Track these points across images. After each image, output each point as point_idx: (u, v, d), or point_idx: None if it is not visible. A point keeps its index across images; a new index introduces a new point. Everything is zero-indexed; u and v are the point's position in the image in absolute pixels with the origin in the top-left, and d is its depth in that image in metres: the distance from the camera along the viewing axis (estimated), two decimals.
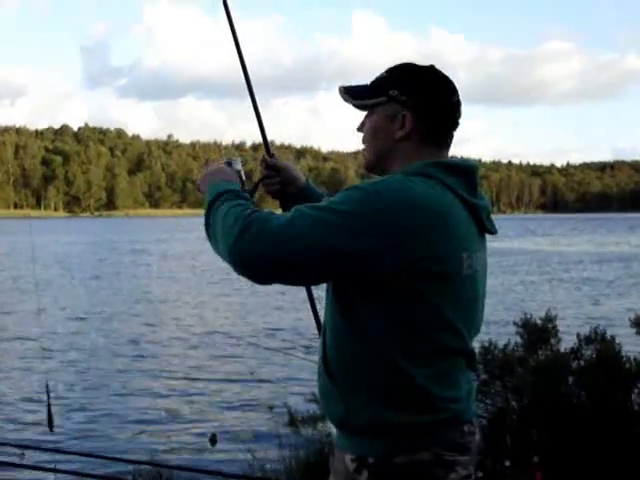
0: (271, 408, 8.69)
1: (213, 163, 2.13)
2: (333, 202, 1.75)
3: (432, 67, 1.99)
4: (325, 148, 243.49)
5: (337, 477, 1.88)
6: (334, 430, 1.95)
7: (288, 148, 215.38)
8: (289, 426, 5.93)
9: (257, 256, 1.71)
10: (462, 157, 2.00)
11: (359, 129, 2.04)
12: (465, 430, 1.84)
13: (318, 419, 5.90)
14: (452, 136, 1.98)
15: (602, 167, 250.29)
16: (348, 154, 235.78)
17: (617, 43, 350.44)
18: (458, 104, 1.97)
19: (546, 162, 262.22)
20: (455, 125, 1.97)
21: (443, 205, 1.79)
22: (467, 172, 1.90)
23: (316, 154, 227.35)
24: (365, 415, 1.80)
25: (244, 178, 2.15)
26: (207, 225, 1.89)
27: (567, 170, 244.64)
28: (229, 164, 2.15)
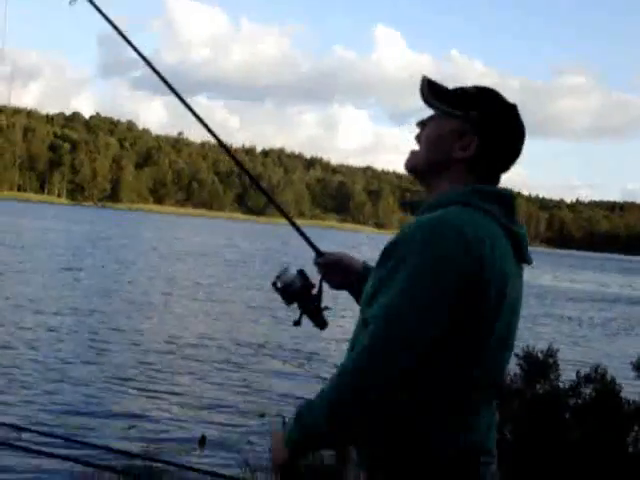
0: (263, 415, 8.67)
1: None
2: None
3: (515, 107, 1.96)
4: (335, 160, 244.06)
5: None
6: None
7: (298, 157, 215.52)
8: None
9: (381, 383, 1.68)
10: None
11: (420, 125, 2.00)
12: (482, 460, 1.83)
13: None
14: (500, 178, 1.96)
15: (611, 207, 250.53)
16: (357, 169, 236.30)
17: (635, 83, 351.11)
18: (520, 151, 1.96)
19: (555, 197, 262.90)
20: (508, 168, 1.96)
21: (489, 235, 1.79)
22: (506, 199, 1.89)
23: (325, 166, 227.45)
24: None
25: (298, 283, 2.33)
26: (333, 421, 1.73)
27: (576, 207, 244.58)
28: (279, 277, 2.33)
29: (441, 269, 1.70)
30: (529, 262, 1.92)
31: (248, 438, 7.88)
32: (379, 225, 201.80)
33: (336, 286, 2.40)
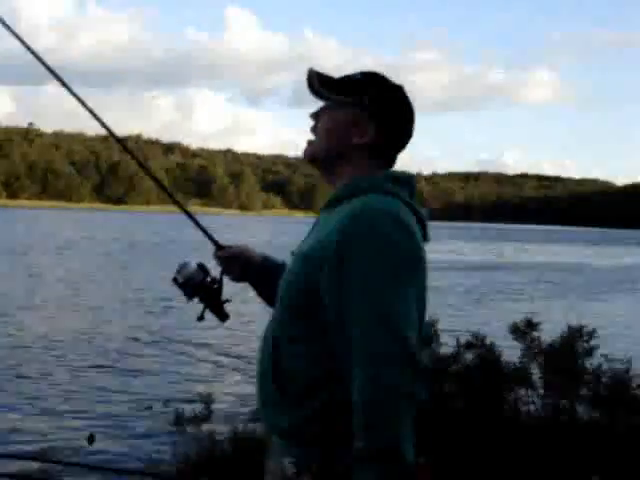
0: (150, 408, 8.52)
1: None
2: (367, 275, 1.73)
3: (401, 87, 2.01)
4: (194, 145, 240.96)
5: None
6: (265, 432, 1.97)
7: (156, 143, 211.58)
8: (175, 425, 5.82)
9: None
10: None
11: (313, 116, 2.02)
12: None
13: (202, 419, 5.84)
14: (396, 158, 2.01)
15: (466, 177, 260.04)
16: (217, 152, 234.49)
17: (484, 57, 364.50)
18: (413, 130, 2.02)
19: (413, 170, 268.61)
20: (404, 147, 2.01)
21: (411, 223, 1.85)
22: (411, 183, 1.95)
23: (185, 151, 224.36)
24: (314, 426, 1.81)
25: (199, 277, 2.33)
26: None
27: (433, 179, 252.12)
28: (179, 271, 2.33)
29: (396, 255, 1.74)
30: (428, 240, 1.97)
31: (142, 431, 7.74)
32: (243, 207, 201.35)
33: (236, 279, 2.39)
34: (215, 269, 2.38)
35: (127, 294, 20.88)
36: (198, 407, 5.92)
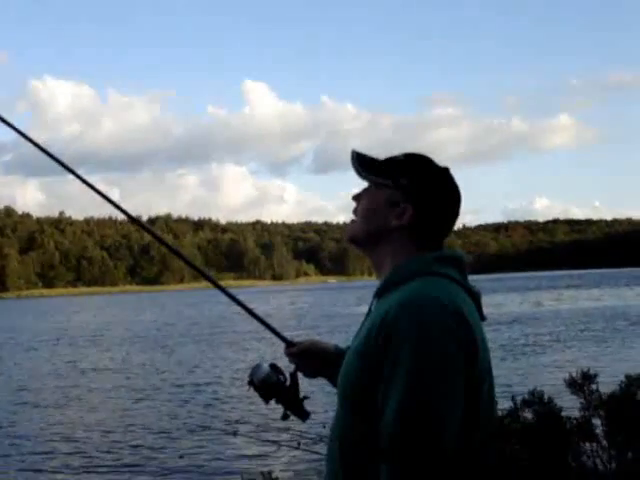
0: None
1: None
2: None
3: (447, 170, 2.00)
4: (223, 219, 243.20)
5: None
6: None
7: (185, 220, 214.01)
8: None
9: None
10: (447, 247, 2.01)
11: (355, 198, 2.03)
12: None
13: None
14: (443, 241, 1.98)
15: (497, 228, 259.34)
16: (247, 224, 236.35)
17: (503, 108, 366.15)
18: (458, 214, 1.99)
19: None
20: (449, 231, 1.98)
21: (465, 303, 1.83)
22: (459, 261, 1.93)
23: (214, 226, 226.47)
24: None
25: (274, 378, 2.29)
26: None
27: (463, 232, 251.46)
28: (253, 375, 2.30)
29: (444, 347, 1.71)
30: (485, 319, 1.93)
31: None
32: (276, 277, 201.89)
33: (310, 374, 2.36)
34: (288, 367, 2.36)
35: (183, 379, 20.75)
36: None
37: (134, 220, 2.65)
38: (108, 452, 11.82)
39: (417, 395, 1.68)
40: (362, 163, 2.01)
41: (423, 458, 1.65)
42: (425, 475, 1.65)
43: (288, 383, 2.30)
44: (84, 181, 2.47)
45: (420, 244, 1.92)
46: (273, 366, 2.32)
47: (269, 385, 2.28)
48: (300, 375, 2.35)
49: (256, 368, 2.31)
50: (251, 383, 2.30)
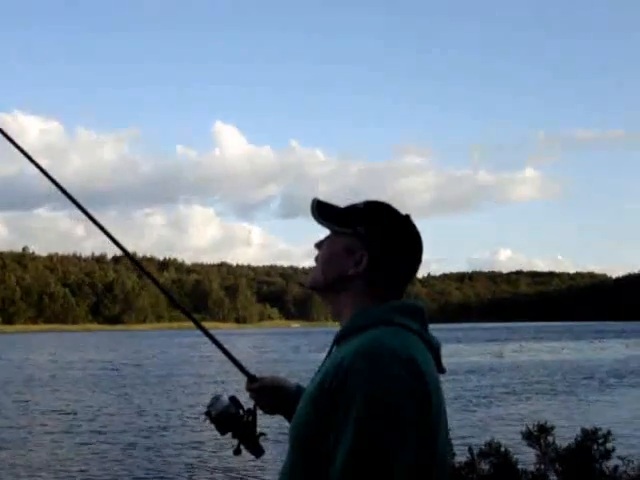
0: None
1: None
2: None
3: (407, 217, 2.00)
4: (188, 260, 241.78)
5: None
6: None
7: (151, 260, 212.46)
8: None
9: None
10: (415, 297, 2.00)
11: (317, 246, 2.04)
12: None
13: None
14: (404, 288, 1.98)
15: (461, 277, 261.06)
16: (212, 266, 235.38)
17: (470, 159, 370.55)
18: (419, 261, 1.98)
19: None
20: (409, 280, 1.97)
21: (420, 354, 1.81)
22: (419, 312, 1.91)
23: (179, 266, 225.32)
24: None
25: (232, 411, 2.25)
26: None
27: (428, 281, 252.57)
28: (212, 405, 2.25)
29: (395, 397, 1.71)
30: (444, 371, 1.91)
31: None
32: (240, 320, 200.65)
33: (270, 411, 2.33)
34: (248, 402, 2.32)
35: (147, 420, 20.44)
36: None
37: (139, 266, 2.79)
38: None
39: (366, 443, 1.68)
40: (322, 211, 2.01)
41: None
42: None
43: (246, 418, 2.27)
44: (93, 219, 2.54)
45: (378, 292, 1.91)
46: (233, 399, 2.28)
47: (227, 417, 2.24)
48: (259, 412, 2.31)
49: (215, 399, 2.27)
50: (208, 414, 2.26)
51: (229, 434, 2.28)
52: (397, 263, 1.93)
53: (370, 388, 1.70)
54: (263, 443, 2.30)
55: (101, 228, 2.54)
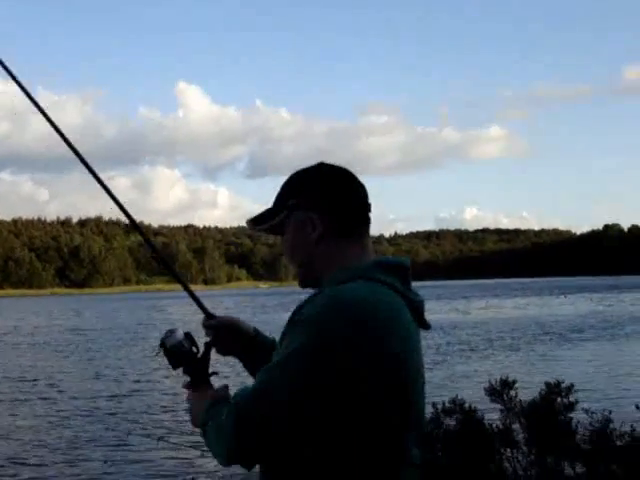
0: None
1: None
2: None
3: (325, 164, 2.04)
4: (155, 222, 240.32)
5: None
6: None
7: (117, 223, 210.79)
8: None
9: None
10: (393, 255, 2.04)
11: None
12: None
13: None
14: (367, 231, 2.00)
15: (427, 236, 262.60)
16: (179, 228, 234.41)
17: (436, 117, 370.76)
18: (364, 199, 2.00)
19: (375, 232, 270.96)
20: (366, 220, 2.00)
21: (392, 309, 1.83)
22: (403, 269, 1.93)
23: (146, 229, 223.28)
24: None
25: (186, 347, 2.22)
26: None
27: (395, 240, 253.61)
28: (166, 338, 2.22)
29: (324, 351, 1.73)
30: (427, 327, 1.96)
31: None
32: (208, 282, 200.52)
33: (224, 352, 2.33)
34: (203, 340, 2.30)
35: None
36: None
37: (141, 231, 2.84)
38: (20, 461, 11.54)
39: (276, 372, 1.77)
40: (256, 221, 2.06)
41: (249, 422, 1.77)
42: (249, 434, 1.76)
43: (200, 355, 2.24)
44: (102, 184, 2.55)
45: (347, 241, 1.94)
46: (188, 335, 2.25)
47: (180, 352, 2.22)
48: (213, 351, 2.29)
49: (170, 332, 2.24)
50: (163, 346, 2.23)
51: (180, 370, 2.25)
52: (343, 206, 1.94)
53: (315, 324, 1.75)
54: (213, 381, 2.24)
55: (111, 195, 2.57)
